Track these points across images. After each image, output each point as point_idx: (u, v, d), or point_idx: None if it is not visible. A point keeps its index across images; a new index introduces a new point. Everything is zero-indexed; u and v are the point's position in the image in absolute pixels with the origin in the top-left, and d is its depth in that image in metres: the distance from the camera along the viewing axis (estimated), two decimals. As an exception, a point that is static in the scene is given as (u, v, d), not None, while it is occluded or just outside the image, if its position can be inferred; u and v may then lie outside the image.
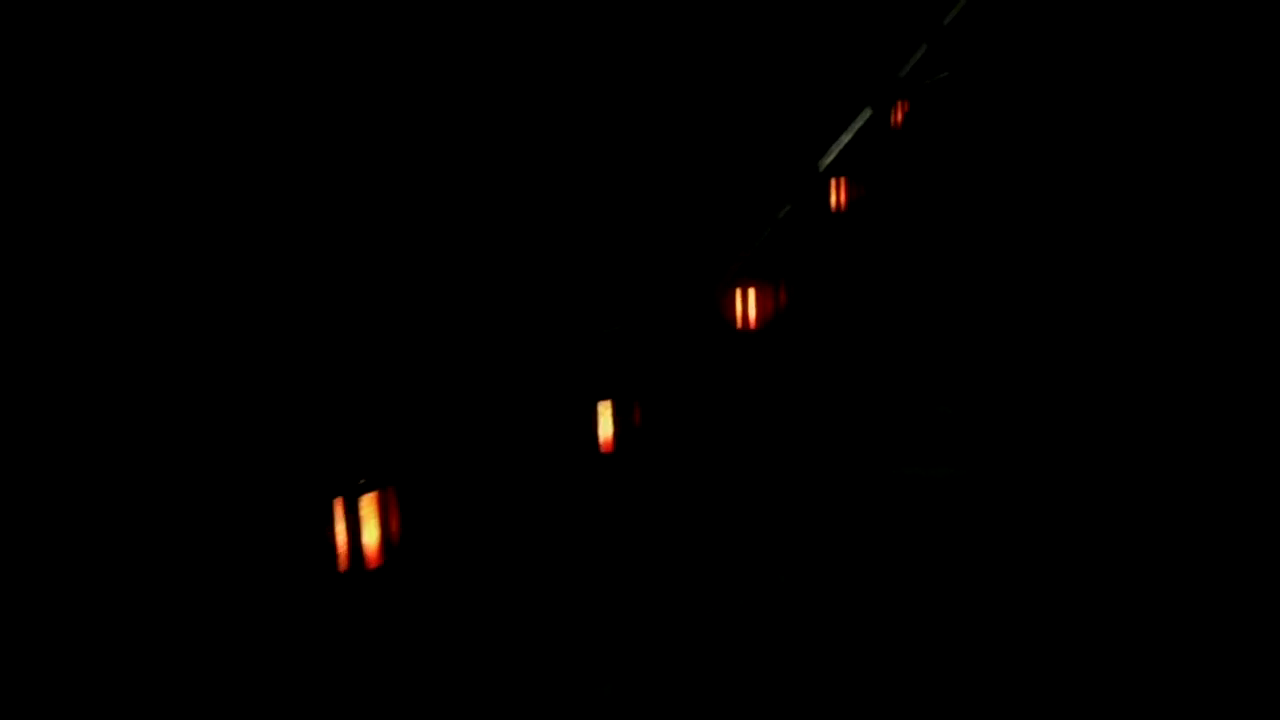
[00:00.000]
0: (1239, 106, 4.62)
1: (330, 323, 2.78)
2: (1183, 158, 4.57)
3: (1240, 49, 4.80)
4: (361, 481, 2.24)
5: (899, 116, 5.42)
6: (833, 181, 4.61)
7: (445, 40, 3.36)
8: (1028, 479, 3.46)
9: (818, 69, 5.17)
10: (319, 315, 2.76)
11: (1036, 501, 3.34)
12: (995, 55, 5.74)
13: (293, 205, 2.87)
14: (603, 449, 3.09)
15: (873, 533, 3.22)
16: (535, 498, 2.94)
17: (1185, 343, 3.76)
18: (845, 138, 4.75)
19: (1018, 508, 3.38)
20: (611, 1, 4.06)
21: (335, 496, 2.25)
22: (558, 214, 3.64)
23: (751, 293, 3.92)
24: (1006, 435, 3.74)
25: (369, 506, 2.25)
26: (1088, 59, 5.37)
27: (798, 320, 4.04)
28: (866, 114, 4.98)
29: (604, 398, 3.08)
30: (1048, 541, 3.08)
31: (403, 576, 2.34)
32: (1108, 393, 3.76)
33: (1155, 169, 4.62)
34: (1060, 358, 3.98)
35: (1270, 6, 4.89)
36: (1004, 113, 5.41)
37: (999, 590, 2.86)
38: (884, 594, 2.82)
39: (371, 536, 2.27)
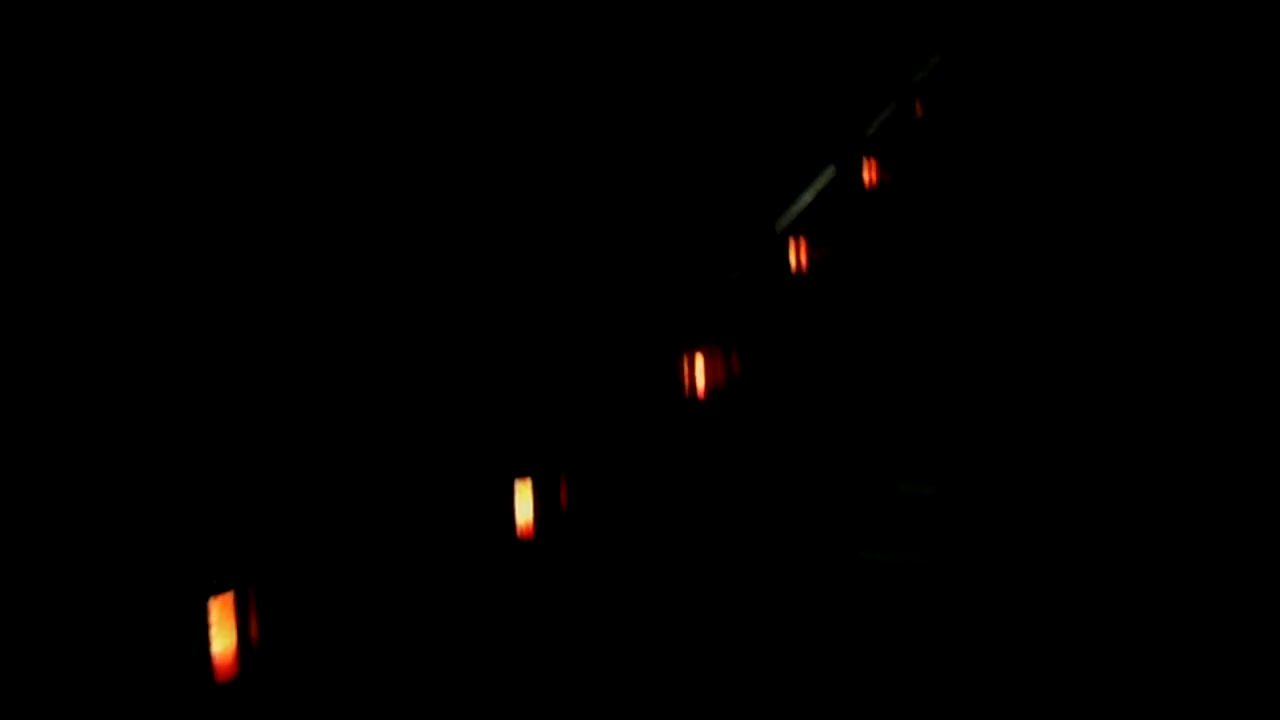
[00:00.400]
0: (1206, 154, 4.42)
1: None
2: (1164, 214, 4.36)
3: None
4: (214, 581, 1.94)
5: (868, 175, 5.22)
6: (792, 241, 4.37)
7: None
8: (1002, 567, 3.16)
9: (777, 125, 4.98)
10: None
11: (1011, 601, 3.04)
12: (969, 111, 5.57)
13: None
14: (520, 535, 2.79)
15: (821, 632, 2.91)
16: (435, 596, 2.62)
17: (1171, 425, 3.49)
18: (806, 197, 4.52)
19: (988, 604, 3.07)
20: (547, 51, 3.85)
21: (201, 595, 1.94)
22: (469, 263, 3.38)
23: (700, 359, 3.64)
24: (977, 514, 3.45)
25: (222, 610, 1.94)
26: (1062, 119, 5.20)
27: (750, 389, 3.77)
28: (830, 172, 4.77)
29: (523, 474, 2.78)
30: (1025, 652, 2.78)
31: (261, 693, 2.02)
32: (1089, 490, 3.48)
33: (1133, 238, 4.41)
34: (1033, 436, 3.71)
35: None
36: (977, 170, 5.21)
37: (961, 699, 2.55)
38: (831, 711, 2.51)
39: (224, 644, 1.95)
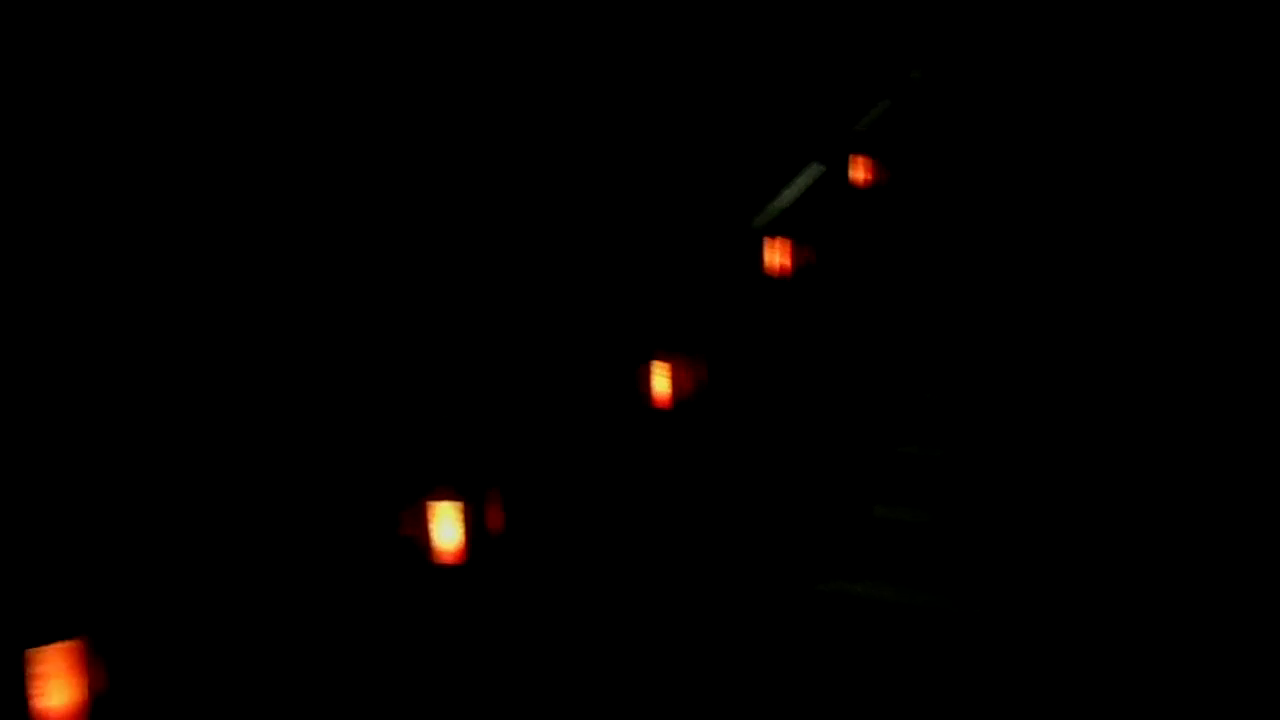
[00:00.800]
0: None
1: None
2: (1152, 223, 4.07)
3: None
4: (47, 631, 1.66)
5: (859, 173, 4.92)
6: (771, 242, 4.07)
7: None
8: (987, 603, 2.87)
9: (758, 118, 4.69)
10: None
11: (999, 639, 2.75)
12: (967, 108, 5.28)
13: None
14: (442, 561, 2.50)
15: (780, 672, 2.63)
16: (348, 628, 2.34)
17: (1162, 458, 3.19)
18: (788, 194, 4.23)
19: (963, 638, 2.79)
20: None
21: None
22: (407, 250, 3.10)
23: (665, 366, 3.36)
24: (961, 544, 3.16)
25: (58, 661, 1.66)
26: (1065, 116, 4.90)
27: (719, 398, 3.48)
28: (815, 169, 4.47)
29: (449, 493, 2.49)
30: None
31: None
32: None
33: (1124, 241, 4.11)
34: (1023, 452, 3.42)
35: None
36: (975, 170, 4.92)
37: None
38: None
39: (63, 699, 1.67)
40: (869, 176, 4.92)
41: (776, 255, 4.11)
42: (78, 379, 2.17)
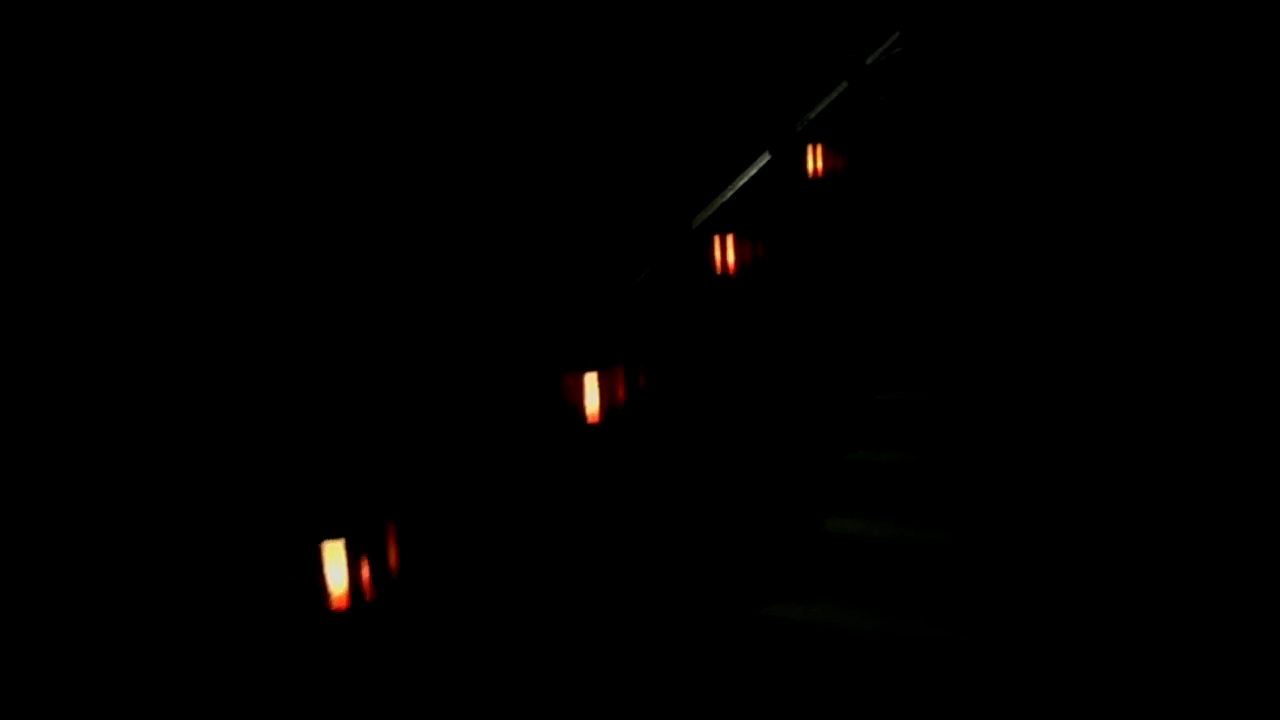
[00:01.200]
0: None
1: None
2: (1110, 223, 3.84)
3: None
4: None
5: (813, 162, 4.69)
6: (715, 239, 3.84)
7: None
8: (932, 625, 2.64)
9: (698, 103, 4.45)
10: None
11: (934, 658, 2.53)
12: (930, 89, 5.04)
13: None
14: (333, 607, 2.27)
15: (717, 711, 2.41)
16: (225, 680, 2.11)
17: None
18: (734, 187, 3.99)
19: (903, 660, 2.56)
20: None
21: None
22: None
23: (592, 377, 3.12)
24: (911, 556, 2.93)
25: None
26: (1028, 98, 4.67)
27: (655, 410, 3.25)
28: (765, 159, 4.23)
29: (334, 535, 2.26)
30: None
31: None
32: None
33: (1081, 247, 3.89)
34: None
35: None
36: (937, 155, 4.69)
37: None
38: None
39: None
40: (824, 165, 4.69)
41: (722, 252, 3.88)
42: None
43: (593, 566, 2.81)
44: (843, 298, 4.10)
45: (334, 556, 2.25)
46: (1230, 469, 2.61)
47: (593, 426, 3.02)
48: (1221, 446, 2.69)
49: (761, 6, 5.02)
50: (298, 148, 2.81)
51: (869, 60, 5.11)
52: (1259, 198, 3.48)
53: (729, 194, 3.94)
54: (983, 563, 2.79)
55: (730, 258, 3.88)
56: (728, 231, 3.89)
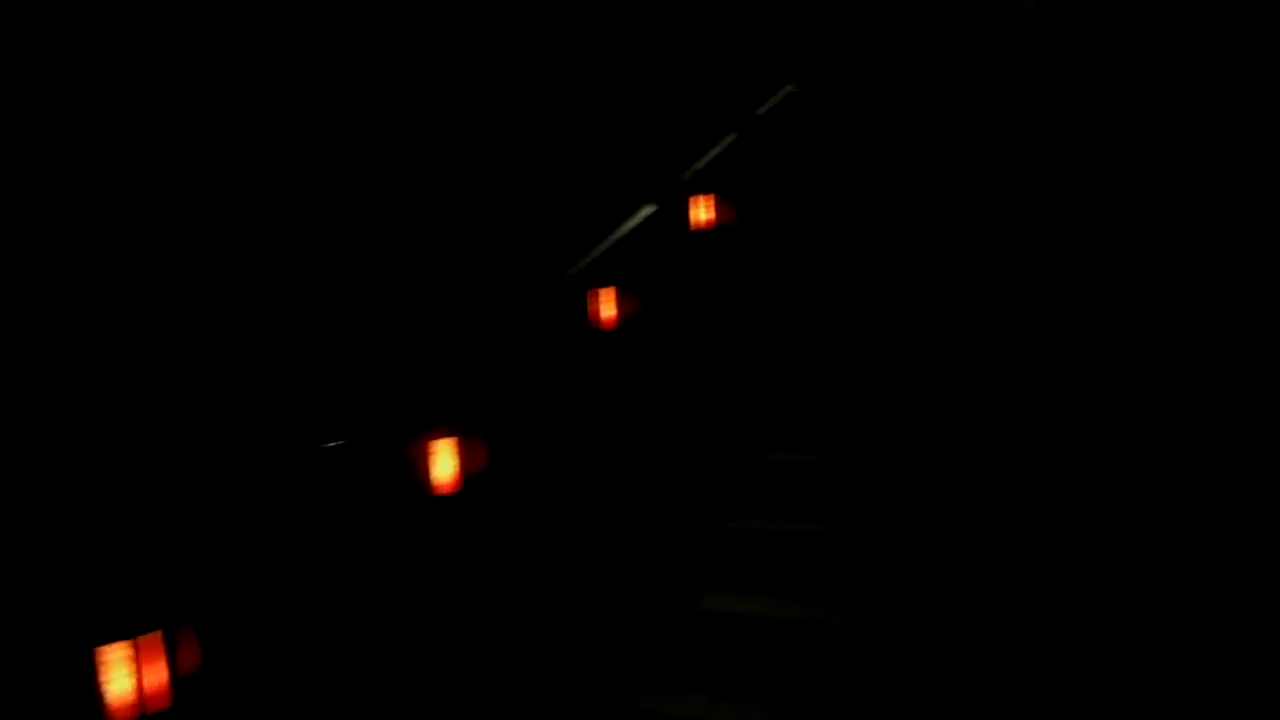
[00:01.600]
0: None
1: None
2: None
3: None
4: None
5: (700, 213, 4.53)
6: (591, 293, 3.63)
7: None
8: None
9: (583, 155, 4.28)
10: None
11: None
12: (821, 139, 4.96)
13: None
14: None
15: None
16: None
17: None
18: (613, 239, 3.81)
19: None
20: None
21: None
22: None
23: (440, 445, 2.86)
24: (798, 642, 2.73)
25: None
26: (922, 151, 4.62)
27: (519, 478, 3.00)
28: (648, 210, 4.06)
29: (115, 635, 1.95)
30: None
31: None
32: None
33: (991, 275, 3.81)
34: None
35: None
36: (830, 204, 4.59)
37: None
38: None
39: None
40: (711, 216, 4.53)
41: (597, 305, 3.67)
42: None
43: (437, 661, 2.54)
44: (728, 352, 3.93)
45: (116, 661, 1.94)
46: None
47: (440, 498, 2.75)
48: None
49: (652, 55, 4.90)
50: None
51: (760, 111, 5.01)
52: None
53: (606, 245, 3.75)
54: (871, 642, 2.60)
55: (608, 311, 3.68)
56: (608, 284, 3.70)
